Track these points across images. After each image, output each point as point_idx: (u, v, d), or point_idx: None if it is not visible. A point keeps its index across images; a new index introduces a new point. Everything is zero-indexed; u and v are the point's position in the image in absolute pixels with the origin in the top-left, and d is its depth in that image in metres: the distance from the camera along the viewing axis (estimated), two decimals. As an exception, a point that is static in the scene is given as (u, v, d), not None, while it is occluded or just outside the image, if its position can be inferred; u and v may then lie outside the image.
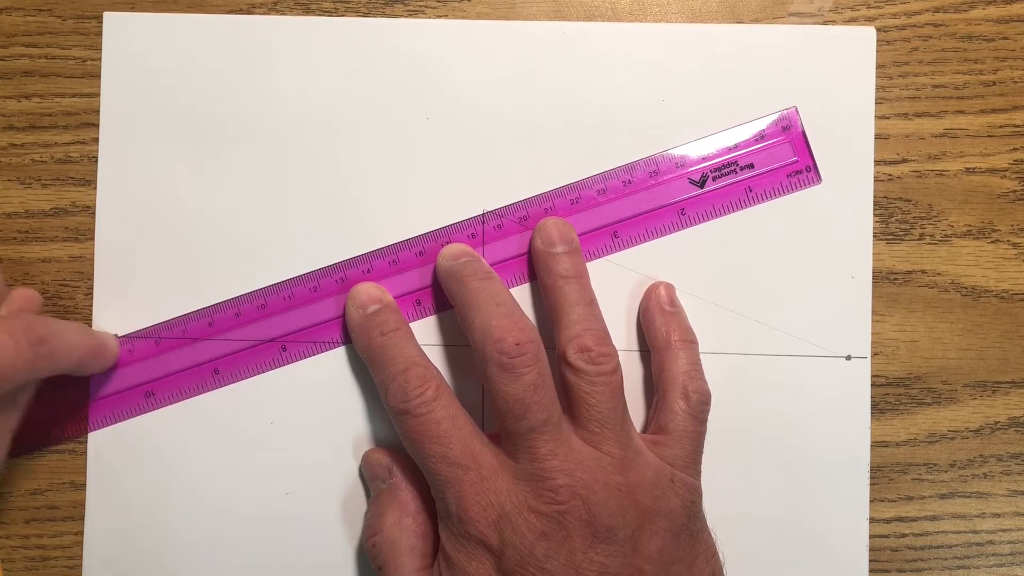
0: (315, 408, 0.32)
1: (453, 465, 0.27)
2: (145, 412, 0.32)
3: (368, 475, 0.31)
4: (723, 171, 0.32)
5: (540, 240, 0.30)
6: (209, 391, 0.32)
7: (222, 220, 0.32)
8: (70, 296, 0.32)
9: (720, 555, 0.29)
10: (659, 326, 0.31)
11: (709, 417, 0.30)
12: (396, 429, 0.29)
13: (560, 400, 0.28)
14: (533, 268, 0.31)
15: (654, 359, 0.31)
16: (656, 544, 0.27)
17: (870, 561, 0.32)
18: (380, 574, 0.29)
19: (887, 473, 0.32)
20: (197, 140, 0.32)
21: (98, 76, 0.32)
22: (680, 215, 0.32)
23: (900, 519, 0.32)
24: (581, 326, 0.28)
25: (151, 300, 0.32)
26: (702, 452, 0.30)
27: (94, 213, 0.32)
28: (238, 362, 0.32)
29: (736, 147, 0.32)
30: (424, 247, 0.32)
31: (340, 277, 0.32)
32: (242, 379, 0.32)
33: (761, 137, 0.32)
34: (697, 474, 0.29)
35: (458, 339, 0.32)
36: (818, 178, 0.32)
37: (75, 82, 0.32)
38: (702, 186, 0.31)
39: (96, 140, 0.32)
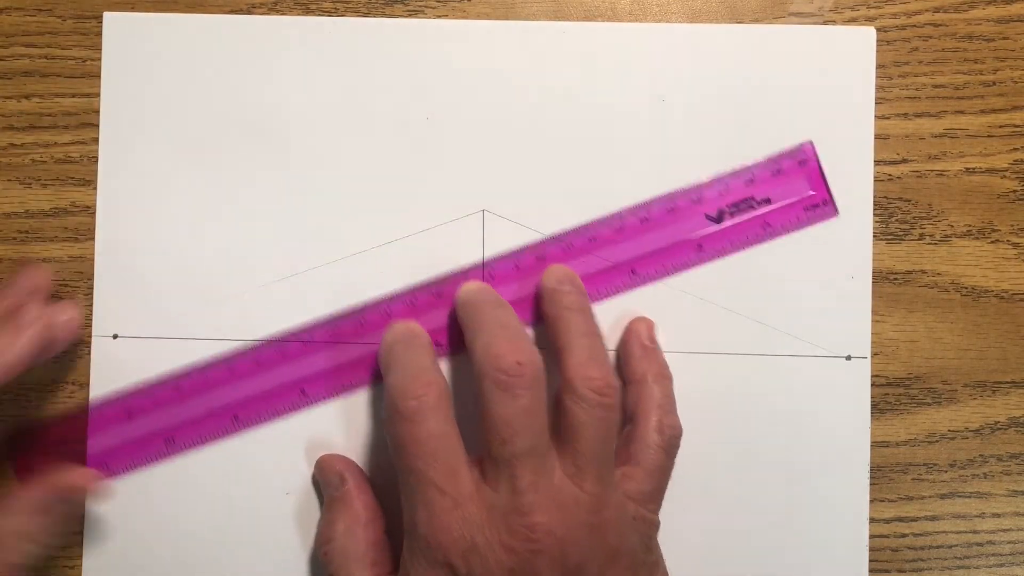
0: (315, 408, 0.32)
1: (431, 486, 0.26)
2: (165, 458, 0.31)
3: (321, 481, 0.31)
4: (740, 206, 0.31)
5: (548, 280, 0.30)
6: (229, 436, 0.32)
7: (222, 220, 0.32)
8: (70, 296, 0.32)
9: None
10: (638, 359, 0.30)
11: (709, 417, 0.30)
12: (385, 432, 0.28)
13: (550, 430, 0.27)
14: (540, 310, 0.31)
15: (629, 391, 0.30)
16: None
17: (870, 561, 0.32)
18: None
19: (887, 473, 0.32)
20: (197, 140, 0.32)
21: (98, 76, 0.32)
22: (698, 250, 0.32)
23: (900, 519, 0.32)
24: (588, 355, 0.28)
25: (151, 300, 0.32)
26: (666, 488, 0.29)
27: (94, 213, 0.32)
28: (258, 405, 0.31)
29: (753, 182, 0.31)
30: (442, 289, 0.31)
31: (360, 320, 0.31)
32: (262, 423, 0.31)
33: (778, 171, 0.32)
34: (658, 509, 0.29)
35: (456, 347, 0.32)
36: (835, 211, 0.31)
37: (75, 82, 0.32)
38: (719, 221, 0.31)
39: (96, 140, 0.32)
